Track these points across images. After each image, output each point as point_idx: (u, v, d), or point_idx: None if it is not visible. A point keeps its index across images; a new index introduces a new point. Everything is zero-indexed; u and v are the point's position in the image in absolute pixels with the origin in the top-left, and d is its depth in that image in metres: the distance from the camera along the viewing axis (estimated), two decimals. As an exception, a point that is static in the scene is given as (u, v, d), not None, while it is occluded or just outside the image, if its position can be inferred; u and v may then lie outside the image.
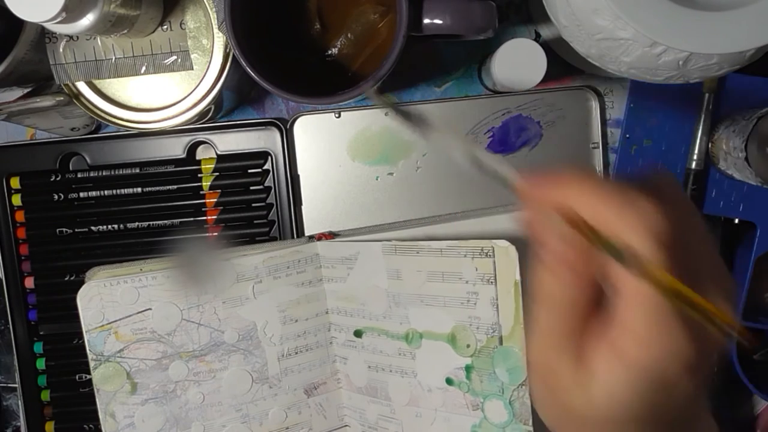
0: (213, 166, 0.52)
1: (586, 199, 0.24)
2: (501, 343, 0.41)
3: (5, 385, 0.57)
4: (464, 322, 0.42)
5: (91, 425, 0.53)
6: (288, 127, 0.52)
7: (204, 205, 0.53)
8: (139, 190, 0.52)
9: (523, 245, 0.50)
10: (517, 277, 0.40)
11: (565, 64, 0.52)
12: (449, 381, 0.43)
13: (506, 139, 0.53)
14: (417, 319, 0.44)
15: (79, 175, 0.52)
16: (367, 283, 0.46)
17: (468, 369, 0.42)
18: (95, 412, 0.45)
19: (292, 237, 0.52)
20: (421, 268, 0.44)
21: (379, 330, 0.46)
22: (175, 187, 0.53)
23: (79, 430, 0.53)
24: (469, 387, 0.43)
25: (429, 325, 0.44)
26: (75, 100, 0.46)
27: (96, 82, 0.46)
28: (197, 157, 0.53)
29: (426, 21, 0.41)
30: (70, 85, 0.46)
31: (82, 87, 0.46)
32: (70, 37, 0.45)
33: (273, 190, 0.53)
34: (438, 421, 0.44)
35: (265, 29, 0.45)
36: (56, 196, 0.52)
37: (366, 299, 0.47)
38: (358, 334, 0.48)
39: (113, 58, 0.45)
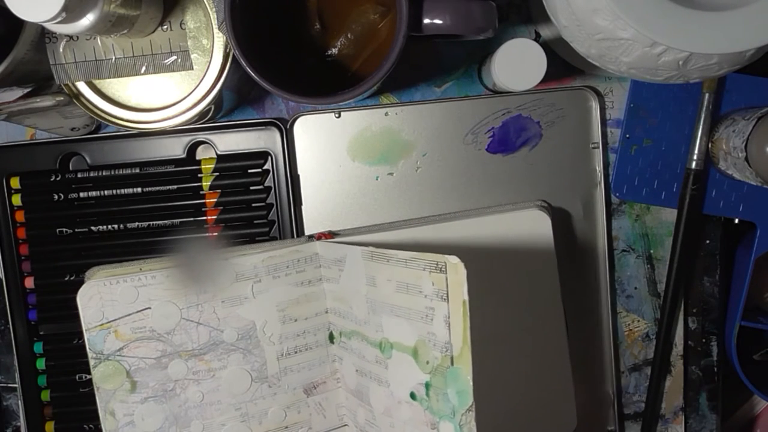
0: (213, 166, 0.52)
1: None
2: (452, 363, 0.39)
3: (5, 385, 0.57)
4: (424, 338, 0.41)
5: (91, 425, 0.53)
6: (288, 127, 0.52)
7: (204, 205, 0.53)
8: (139, 190, 0.52)
9: (516, 247, 0.49)
10: (465, 296, 0.37)
11: (565, 64, 0.52)
12: (413, 396, 0.42)
13: (506, 139, 0.53)
14: (389, 328, 0.43)
15: (79, 175, 0.52)
16: (352, 287, 0.46)
17: (427, 386, 0.41)
18: (95, 411, 0.45)
19: (292, 237, 0.52)
20: (390, 277, 0.42)
21: (362, 335, 0.46)
22: (175, 187, 0.53)
23: (79, 430, 0.53)
24: (428, 404, 0.41)
25: (398, 336, 0.43)
26: (75, 100, 0.46)
27: (96, 82, 0.47)
28: (197, 157, 0.53)
29: (426, 21, 0.41)
30: (70, 85, 0.46)
31: (82, 87, 0.46)
32: (70, 37, 0.45)
33: (273, 190, 0.53)
34: None
35: (265, 29, 0.45)
36: (56, 196, 0.52)
37: (352, 303, 0.46)
38: (341, 336, 0.48)
39: (113, 58, 0.46)
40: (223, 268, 0.47)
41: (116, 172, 0.52)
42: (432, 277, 0.40)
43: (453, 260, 0.38)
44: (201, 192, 0.53)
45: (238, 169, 0.53)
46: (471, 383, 0.38)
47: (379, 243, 0.48)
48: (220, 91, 0.46)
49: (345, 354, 0.48)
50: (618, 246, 0.55)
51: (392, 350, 0.43)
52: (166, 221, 0.53)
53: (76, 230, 0.53)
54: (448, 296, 0.39)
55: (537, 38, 0.53)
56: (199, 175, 0.52)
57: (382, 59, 0.41)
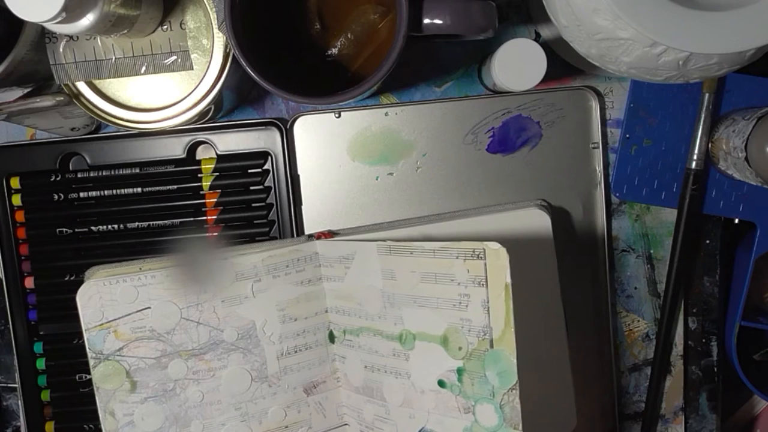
0: (213, 166, 0.52)
1: None
2: (492, 346, 0.40)
3: (5, 385, 0.57)
4: (456, 325, 0.42)
5: (91, 425, 0.53)
6: (288, 127, 0.52)
7: (204, 205, 0.53)
8: (139, 190, 0.53)
9: (515, 246, 0.50)
10: (508, 279, 0.39)
11: (565, 64, 0.52)
12: (441, 383, 0.43)
13: (506, 139, 0.53)
14: (411, 320, 0.44)
15: (79, 175, 0.53)
16: (363, 282, 0.46)
17: (460, 371, 0.42)
18: (95, 412, 0.45)
19: (292, 237, 0.52)
20: (414, 269, 0.43)
21: (374, 330, 0.46)
22: (175, 187, 0.53)
23: (79, 430, 0.53)
24: (460, 390, 0.42)
25: (422, 326, 0.44)
26: (75, 100, 0.46)
27: (96, 82, 0.47)
28: (197, 157, 0.53)
29: (426, 21, 0.41)
30: (70, 85, 0.46)
31: (82, 87, 0.46)
32: (70, 37, 0.45)
33: (273, 190, 0.53)
34: (431, 424, 0.44)
35: (265, 29, 0.45)
36: (56, 196, 0.52)
37: (362, 299, 0.47)
38: (344, 334, 0.48)
39: (113, 58, 0.46)
40: (223, 268, 0.47)
41: (116, 172, 0.52)
42: (467, 264, 0.41)
43: (494, 246, 0.40)
44: (201, 192, 0.53)
45: (238, 169, 0.53)
46: (515, 363, 0.39)
47: (389, 239, 0.48)
48: (220, 91, 0.46)
49: (350, 352, 0.48)
50: (618, 246, 0.55)
51: (415, 341, 0.44)
52: (166, 221, 0.53)
53: (76, 230, 0.53)
54: (486, 281, 0.40)
55: (537, 38, 0.53)
56: (199, 175, 0.53)
57: (382, 59, 0.41)
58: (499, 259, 0.39)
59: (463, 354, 0.42)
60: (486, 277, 0.40)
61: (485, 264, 0.40)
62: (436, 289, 0.43)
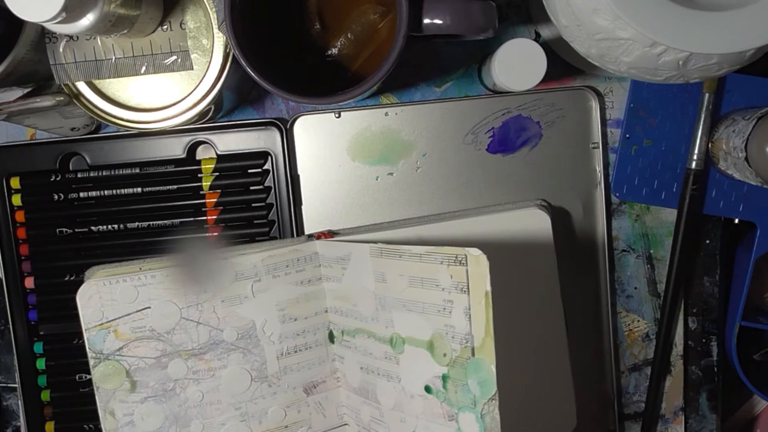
0: (213, 166, 0.52)
1: None
2: (473, 354, 0.40)
3: (5, 385, 0.57)
4: (441, 331, 0.41)
5: (91, 425, 0.53)
6: (288, 127, 0.52)
7: (204, 205, 0.53)
8: (139, 190, 0.53)
9: (515, 246, 0.49)
10: (488, 287, 0.38)
11: (565, 64, 0.52)
12: (428, 389, 0.43)
13: (506, 139, 0.53)
14: (400, 323, 0.44)
15: (79, 175, 0.53)
16: (358, 284, 0.46)
17: (444, 378, 0.42)
18: (95, 412, 0.45)
19: (292, 237, 0.52)
20: (403, 272, 0.43)
21: (368, 332, 0.46)
22: (175, 187, 0.53)
23: (79, 430, 0.53)
24: (445, 397, 0.42)
25: (411, 330, 0.43)
26: (75, 100, 0.46)
27: (96, 82, 0.47)
28: (197, 157, 0.53)
29: (426, 21, 0.41)
30: (70, 85, 0.46)
31: (82, 87, 0.46)
32: (70, 37, 0.45)
33: (273, 190, 0.53)
34: (419, 429, 0.44)
35: (265, 29, 0.45)
36: (56, 196, 0.52)
37: (357, 300, 0.46)
38: (342, 335, 0.48)
39: (113, 58, 0.46)
40: (223, 268, 0.47)
41: (116, 172, 0.52)
42: (450, 270, 0.40)
43: (474, 252, 0.39)
44: (201, 192, 0.53)
45: (238, 169, 0.53)
46: (494, 372, 0.38)
47: (382, 241, 0.48)
48: (220, 91, 0.46)
49: (347, 352, 0.48)
50: (618, 246, 0.55)
51: (404, 345, 0.44)
52: (166, 221, 0.53)
53: (76, 230, 0.53)
54: (468, 288, 0.39)
55: (537, 38, 0.53)
56: (199, 175, 0.53)
57: (382, 59, 0.41)
58: (479, 265, 0.39)
59: (447, 361, 0.41)
60: (468, 283, 0.39)
61: (467, 270, 0.39)
62: (422, 294, 0.42)
